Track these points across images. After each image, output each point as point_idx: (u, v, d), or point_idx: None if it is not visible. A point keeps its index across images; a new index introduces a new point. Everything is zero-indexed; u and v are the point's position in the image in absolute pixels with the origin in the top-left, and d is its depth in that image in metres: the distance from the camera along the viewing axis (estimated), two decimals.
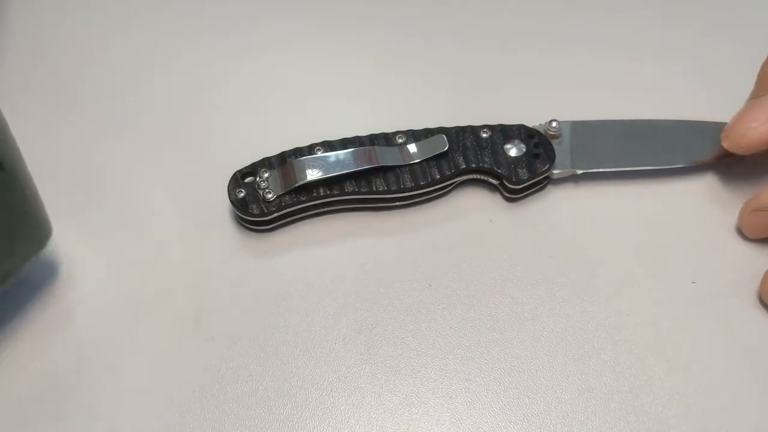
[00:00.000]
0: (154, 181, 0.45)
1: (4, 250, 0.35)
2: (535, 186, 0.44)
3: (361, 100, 0.48)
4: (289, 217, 0.43)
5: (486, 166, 0.43)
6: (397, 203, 0.43)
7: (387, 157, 0.42)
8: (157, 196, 0.44)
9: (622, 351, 0.39)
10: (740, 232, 0.42)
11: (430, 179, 0.42)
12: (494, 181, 0.44)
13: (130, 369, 0.39)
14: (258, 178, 0.42)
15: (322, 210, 0.43)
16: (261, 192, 0.42)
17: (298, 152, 0.43)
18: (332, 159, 0.42)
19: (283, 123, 0.47)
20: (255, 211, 0.41)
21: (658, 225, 0.43)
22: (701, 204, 0.44)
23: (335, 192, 0.42)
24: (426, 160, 0.42)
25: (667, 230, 0.43)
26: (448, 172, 0.42)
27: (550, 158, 0.43)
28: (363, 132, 0.43)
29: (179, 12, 0.52)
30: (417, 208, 0.44)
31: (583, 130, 0.45)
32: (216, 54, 0.50)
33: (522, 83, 0.48)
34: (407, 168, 0.42)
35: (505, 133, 0.44)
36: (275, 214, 0.42)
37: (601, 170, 0.44)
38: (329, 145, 0.43)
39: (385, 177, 0.42)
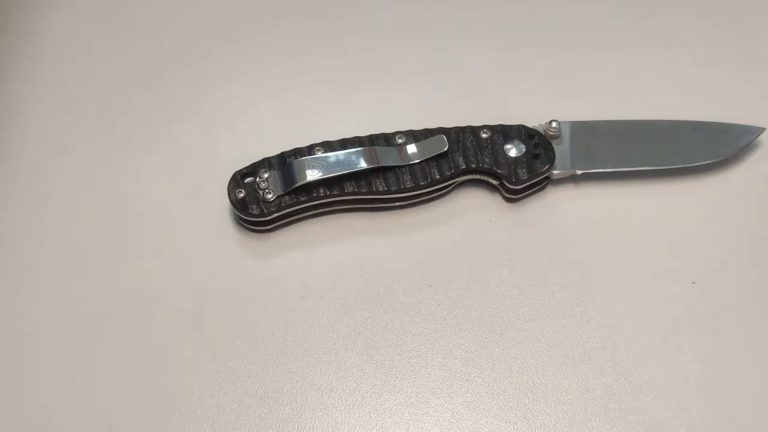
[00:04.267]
0: (154, 181, 0.45)
1: None
2: (535, 186, 0.44)
3: (361, 100, 0.48)
4: (289, 217, 0.43)
5: (486, 166, 0.43)
6: (397, 203, 0.43)
7: (387, 157, 0.42)
8: (157, 196, 0.44)
9: (622, 351, 0.39)
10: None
11: (430, 179, 0.42)
12: (494, 182, 0.44)
13: (130, 368, 0.39)
14: (258, 179, 0.42)
15: (322, 210, 0.43)
16: (261, 192, 0.42)
17: (298, 152, 0.43)
18: (332, 159, 0.42)
19: (283, 123, 0.47)
20: (255, 212, 0.41)
21: (658, 225, 0.43)
22: (701, 204, 0.44)
23: (335, 192, 0.42)
24: (426, 161, 0.42)
25: (666, 230, 0.43)
26: (448, 173, 0.42)
27: (550, 158, 0.43)
28: (363, 132, 0.43)
29: (179, 12, 0.52)
30: (417, 208, 0.44)
31: (583, 130, 0.45)
32: (216, 54, 0.50)
33: (522, 83, 0.48)
34: (407, 168, 0.42)
35: (505, 133, 0.44)
36: (275, 215, 0.42)
37: (601, 170, 0.44)
38: (329, 146, 0.43)
39: (385, 177, 0.42)
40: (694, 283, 0.41)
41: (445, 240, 0.43)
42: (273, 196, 0.41)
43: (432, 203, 0.44)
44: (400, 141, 0.43)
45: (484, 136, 0.43)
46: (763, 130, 0.45)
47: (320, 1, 0.52)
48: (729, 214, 0.43)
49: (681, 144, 0.44)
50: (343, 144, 0.43)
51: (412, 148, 0.43)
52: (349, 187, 0.42)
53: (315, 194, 0.42)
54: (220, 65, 0.49)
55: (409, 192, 0.42)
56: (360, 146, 0.43)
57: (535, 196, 0.44)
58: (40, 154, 0.46)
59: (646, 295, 0.41)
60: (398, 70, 0.49)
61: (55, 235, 0.43)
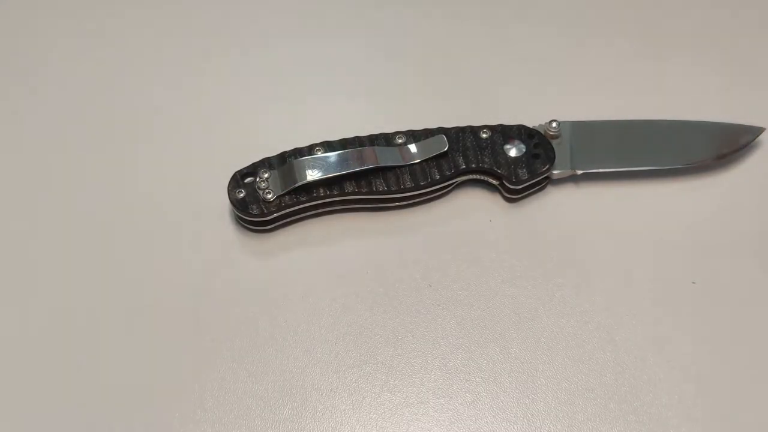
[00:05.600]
0: (154, 181, 0.45)
1: None
2: (535, 186, 0.44)
3: (361, 100, 0.48)
4: (289, 217, 0.43)
5: (486, 166, 0.43)
6: (397, 203, 0.43)
7: (387, 157, 0.42)
8: (157, 196, 0.44)
9: (622, 351, 0.39)
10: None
11: (430, 179, 0.42)
12: (494, 182, 0.44)
13: (130, 368, 0.39)
14: (258, 179, 0.42)
15: (322, 210, 0.43)
16: (261, 192, 0.42)
17: (298, 152, 0.43)
18: (332, 159, 0.42)
19: (283, 123, 0.47)
20: (255, 212, 0.41)
21: (658, 225, 0.43)
22: (701, 204, 0.44)
23: (335, 192, 0.42)
24: (426, 161, 0.42)
25: (666, 230, 0.43)
26: (448, 173, 0.43)
27: (550, 158, 0.43)
28: (363, 132, 0.43)
29: (178, 12, 0.52)
30: (417, 208, 0.44)
31: (583, 130, 0.45)
32: (216, 54, 0.50)
33: (522, 83, 0.48)
34: (407, 168, 0.42)
35: (505, 133, 0.44)
36: (275, 215, 0.42)
37: (601, 170, 0.44)
38: (329, 145, 0.43)
39: (385, 177, 0.42)
40: (694, 283, 0.41)
41: (445, 240, 0.43)
42: (273, 196, 0.41)
43: (432, 203, 0.44)
44: (400, 141, 0.43)
45: (484, 136, 0.43)
46: (763, 130, 0.45)
47: (319, 2, 0.52)
48: (729, 214, 0.43)
49: (681, 144, 0.44)
50: (343, 144, 0.43)
51: (412, 148, 0.43)
52: (349, 187, 0.42)
53: (315, 194, 0.42)
54: (221, 64, 0.49)
55: (409, 192, 0.42)
56: (360, 146, 0.43)
57: (535, 196, 0.44)
58: (40, 154, 0.46)
59: (646, 295, 0.41)
60: (398, 70, 0.49)
61: (54, 236, 0.43)
